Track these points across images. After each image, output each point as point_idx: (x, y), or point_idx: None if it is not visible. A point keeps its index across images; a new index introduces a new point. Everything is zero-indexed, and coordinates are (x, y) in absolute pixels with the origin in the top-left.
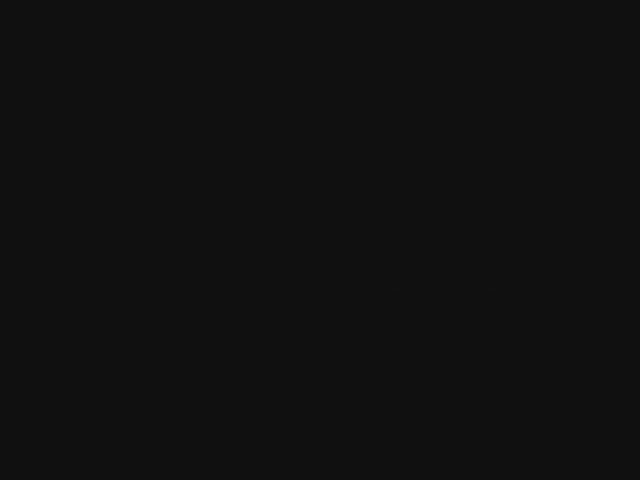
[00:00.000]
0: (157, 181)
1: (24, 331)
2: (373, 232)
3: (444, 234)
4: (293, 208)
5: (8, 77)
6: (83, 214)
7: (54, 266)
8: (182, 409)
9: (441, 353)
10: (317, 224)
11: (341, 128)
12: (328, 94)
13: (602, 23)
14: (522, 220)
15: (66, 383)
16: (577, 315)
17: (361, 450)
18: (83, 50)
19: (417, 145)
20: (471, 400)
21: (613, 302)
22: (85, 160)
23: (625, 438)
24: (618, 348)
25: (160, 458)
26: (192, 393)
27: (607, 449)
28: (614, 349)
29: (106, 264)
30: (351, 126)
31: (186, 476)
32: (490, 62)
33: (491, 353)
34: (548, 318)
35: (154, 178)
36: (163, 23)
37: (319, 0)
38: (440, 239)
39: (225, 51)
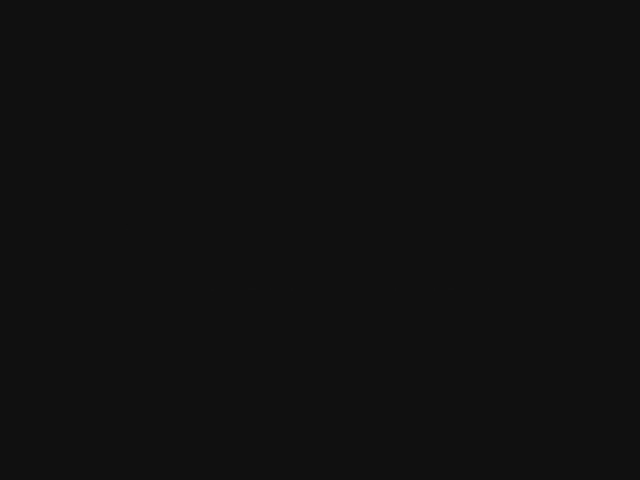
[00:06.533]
0: (156, 181)
1: (24, 331)
2: (369, 232)
3: (441, 234)
4: (292, 208)
5: (8, 77)
6: (83, 214)
7: (54, 266)
8: (182, 410)
9: (439, 353)
10: (316, 224)
11: (341, 128)
12: (328, 94)
13: (602, 23)
14: (519, 220)
15: (66, 383)
16: (575, 315)
17: (360, 450)
18: (82, 49)
19: (409, 144)
20: (468, 400)
21: (611, 303)
22: (85, 160)
23: (624, 441)
24: (617, 351)
25: (160, 458)
26: (192, 393)
27: (605, 452)
28: (612, 351)
29: (105, 264)
30: (351, 126)
31: (186, 476)
32: (490, 62)
33: (486, 353)
34: (545, 318)
35: (153, 178)
36: (163, 23)
37: (319, 1)
38: (437, 239)
39: (225, 51)
